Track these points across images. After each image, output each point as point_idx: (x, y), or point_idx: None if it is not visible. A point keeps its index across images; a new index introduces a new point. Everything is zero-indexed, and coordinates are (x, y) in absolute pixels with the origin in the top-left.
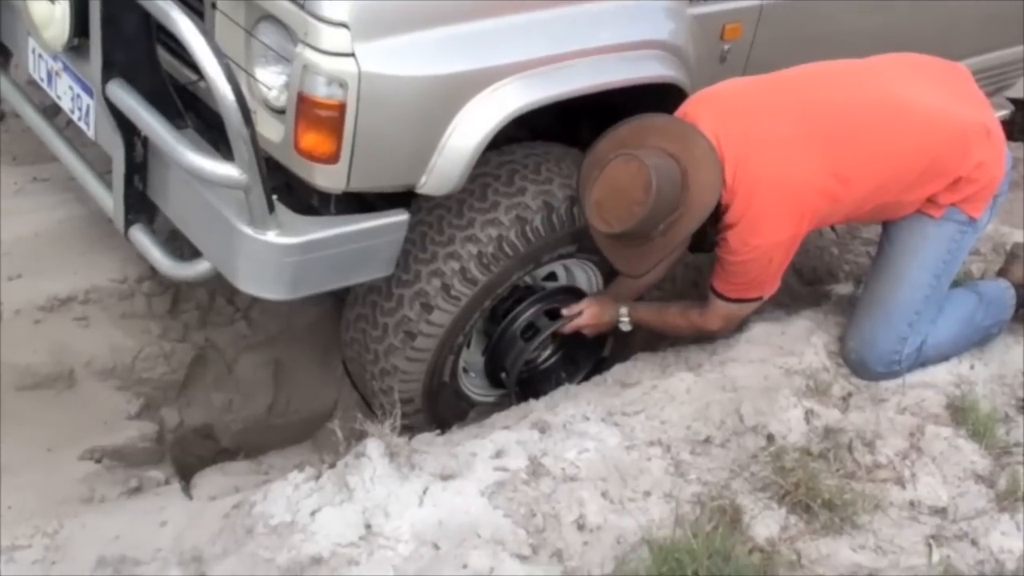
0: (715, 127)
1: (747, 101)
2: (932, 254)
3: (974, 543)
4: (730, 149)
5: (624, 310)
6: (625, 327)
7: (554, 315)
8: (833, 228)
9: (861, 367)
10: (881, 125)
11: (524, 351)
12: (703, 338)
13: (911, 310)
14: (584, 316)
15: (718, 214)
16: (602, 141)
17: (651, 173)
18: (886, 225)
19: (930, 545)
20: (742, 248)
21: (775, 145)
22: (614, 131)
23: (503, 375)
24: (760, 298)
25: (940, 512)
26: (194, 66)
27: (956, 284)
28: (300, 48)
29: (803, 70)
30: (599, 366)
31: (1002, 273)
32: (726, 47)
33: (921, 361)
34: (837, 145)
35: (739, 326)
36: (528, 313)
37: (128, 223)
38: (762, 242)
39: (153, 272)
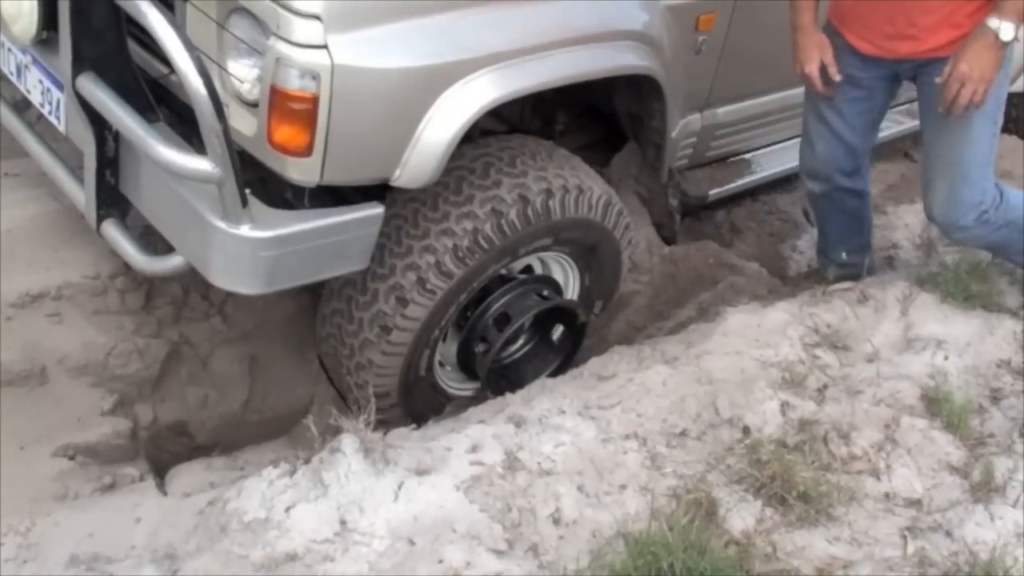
0: None
1: None
2: (988, 102)
3: (948, 534)
4: None
5: (995, 22)
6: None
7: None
8: (808, 217)
9: (953, 228)
10: None
11: (496, 340)
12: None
13: (984, 161)
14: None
15: None
16: None
17: None
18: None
19: (905, 537)
20: None
21: None
22: None
23: (477, 358)
24: None
25: (915, 504)
26: (165, 59)
27: None
28: (272, 41)
29: None
30: (573, 356)
31: None
32: (701, 38)
33: (1005, 210)
34: None
35: (713, 317)
36: (501, 302)
37: (100, 218)
38: None
39: (126, 268)
